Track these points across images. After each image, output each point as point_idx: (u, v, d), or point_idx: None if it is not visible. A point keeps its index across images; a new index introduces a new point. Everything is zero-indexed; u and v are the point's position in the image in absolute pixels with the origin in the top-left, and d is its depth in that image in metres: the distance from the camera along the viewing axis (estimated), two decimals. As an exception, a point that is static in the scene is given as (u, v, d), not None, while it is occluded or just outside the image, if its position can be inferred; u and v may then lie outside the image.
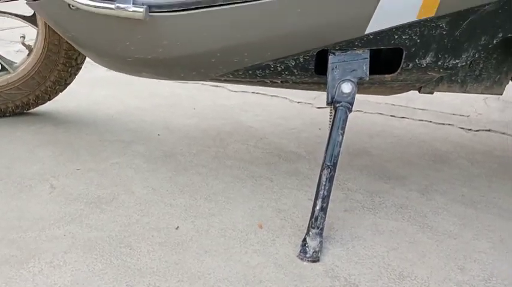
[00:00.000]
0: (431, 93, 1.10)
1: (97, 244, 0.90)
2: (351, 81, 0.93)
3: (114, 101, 1.78)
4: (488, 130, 1.60)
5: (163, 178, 1.18)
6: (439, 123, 1.65)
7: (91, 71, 2.04)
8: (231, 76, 1.05)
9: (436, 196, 1.12)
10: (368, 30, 0.88)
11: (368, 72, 0.94)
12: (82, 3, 0.89)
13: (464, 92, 1.09)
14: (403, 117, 1.71)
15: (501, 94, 1.09)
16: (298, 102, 1.83)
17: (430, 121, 1.67)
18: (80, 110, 1.69)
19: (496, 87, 1.07)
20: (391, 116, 1.72)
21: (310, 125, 1.61)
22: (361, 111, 1.75)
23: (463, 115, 1.74)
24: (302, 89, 1.12)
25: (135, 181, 1.15)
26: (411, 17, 0.85)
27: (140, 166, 1.25)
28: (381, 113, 1.74)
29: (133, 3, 0.88)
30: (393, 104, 1.80)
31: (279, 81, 1.06)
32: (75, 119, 1.59)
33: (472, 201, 1.10)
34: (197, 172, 1.21)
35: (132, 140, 1.42)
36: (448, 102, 1.83)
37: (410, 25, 0.87)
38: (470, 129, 1.60)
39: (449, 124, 1.65)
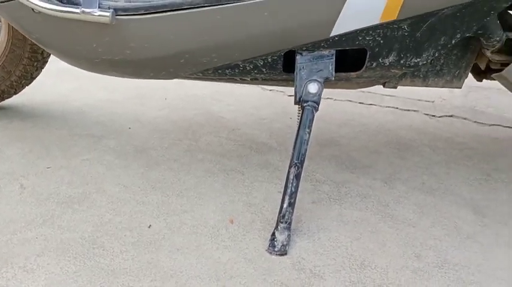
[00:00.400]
0: (395, 87, 1.14)
1: (70, 245, 0.91)
2: (317, 81, 0.96)
3: (82, 93, 1.76)
4: (451, 116, 1.67)
5: (135, 175, 1.19)
6: (405, 110, 1.71)
7: (57, 61, 1.99)
8: (200, 75, 1.06)
9: (398, 184, 1.18)
10: (333, 33, 0.90)
11: (333, 73, 0.97)
12: (46, 8, 0.87)
13: (426, 86, 1.14)
14: (371, 104, 1.76)
15: (460, 87, 1.14)
16: (270, 90, 1.85)
17: (397, 108, 1.73)
18: (48, 103, 1.66)
19: (455, 81, 1.12)
20: (360, 103, 1.76)
21: (281, 115, 1.64)
22: (332, 98, 1.79)
23: (428, 101, 1.80)
24: (271, 85, 1.14)
25: (107, 179, 1.16)
26: (374, 20, 0.87)
27: (111, 162, 1.25)
28: (350, 100, 1.78)
29: (99, 7, 0.87)
30: (362, 91, 1.85)
31: (249, 79, 1.08)
32: (43, 113, 1.57)
33: (431, 189, 1.16)
34: (169, 167, 1.23)
35: (102, 134, 1.42)
36: (414, 88, 1.88)
37: (373, 27, 0.90)
38: (434, 116, 1.67)
39: (414, 110, 1.71)
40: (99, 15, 0.87)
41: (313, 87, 0.95)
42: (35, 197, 1.07)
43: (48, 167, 1.21)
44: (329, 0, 0.85)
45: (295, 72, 0.98)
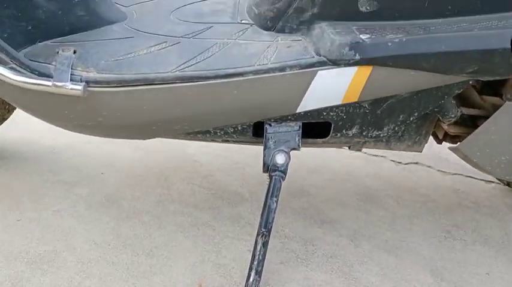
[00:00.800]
0: (360, 150, 1.20)
1: (38, 314, 0.92)
2: (285, 151, 1.00)
3: (55, 131, 1.74)
4: (416, 163, 1.74)
5: (106, 229, 1.20)
6: (373, 155, 1.78)
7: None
8: (172, 137, 1.09)
9: (362, 242, 1.23)
10: (299, 110, 0.95)
11: (300, 143, 1.02)
12: (16, 80, 0.88)
13: (388, 149, 1.20)
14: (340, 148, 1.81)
15: (420, 151, 1.21)
16: (244, 130, 1.89)
17: (365, 152, 1.80)
18: (19, 142, 1.65)
19: (415, 146, 1.19)
20: (331, 147, 1.82)
21: (254, 158, 1.68)
22: (303, 141, 1.84)
23: (395, 145, 1.87)
24: (242, 145, 1.18)
25: (77, 234, 1.17)
26: (337, 101, 0.93)
27: (82, 214, 1.26)
28: (321, 144, 1.84)
29: (71, 80, 0.89)
30: (333, 134, 1.90)
31: (220, 141, 1.11)
32: (14, 154, 1.56)
33: (394, 247, 1.22)
34: (140, 221, 1.24)
35: (74, 180, 1.42)
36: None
37: (337, 106, 0.95)
38: (400, 163, 1.74)
39: (382, 156, 1.78)
40: (71, 89, 0.88)
41: (280, 158, 1.00)
42: (4, 256, 1.07)
43: (18, 220, 1.21)
44: (294, 84, 0.90)
45: (263, 141, 1.02)
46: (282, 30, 0.99)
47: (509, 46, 0.78)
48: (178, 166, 1.58)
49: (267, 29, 1.01)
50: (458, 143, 1.05)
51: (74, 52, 0.95)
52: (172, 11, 1.14)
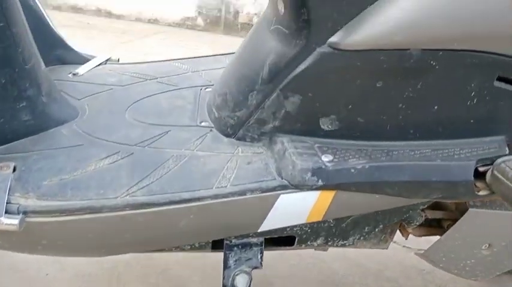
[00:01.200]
0: (325, 250, 1.15)
1: None
2: (246, 272, 0.93)
3: None
4: (381, 238, 1.72)
5: None
6: (338, 232, 1.74)
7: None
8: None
9: None
10: (261, 230, 0.89)
11: (262, 260, 0.95)
12: None
13: (355, 248, 1.16)
14: (305, 225, 1.77)
15: (386, 249, 1.17)
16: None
17: (330, 229, 1.75)
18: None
19: (381, 244, 1.15)
20: (294, 223, 1.77)
21: (215, 243, 1.59)
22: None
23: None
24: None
25: None
26: (300, 221, 0.88)
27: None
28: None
29: (6, 213, 0.78)
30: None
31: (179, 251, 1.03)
32: None
33: None
34: None
35: (15, 285, 1.28)
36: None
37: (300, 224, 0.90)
38: (365, 239, 1.70)
39: (346, 232, 1.74)
40: (5, 224, 0.78)
41: (241, 281, 0.92)
42: None
43: None
44: (256, 207, 0.84)
45: (223, 258, 0.95)
46: (242, 139, 0.94)
47: (472, 178, 0.78)
48: (132, 258, 1.46)
49: (227, 135, 0.95)
50: (424, 251, 1.03)
51: (14, 169, 0.84)
52: (128, 106, 1.06)
